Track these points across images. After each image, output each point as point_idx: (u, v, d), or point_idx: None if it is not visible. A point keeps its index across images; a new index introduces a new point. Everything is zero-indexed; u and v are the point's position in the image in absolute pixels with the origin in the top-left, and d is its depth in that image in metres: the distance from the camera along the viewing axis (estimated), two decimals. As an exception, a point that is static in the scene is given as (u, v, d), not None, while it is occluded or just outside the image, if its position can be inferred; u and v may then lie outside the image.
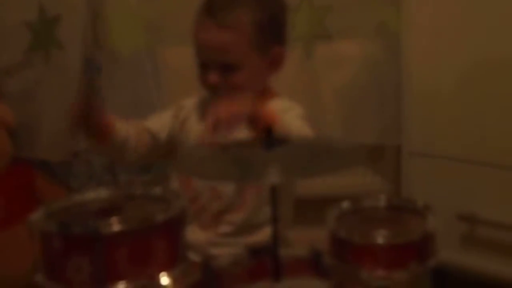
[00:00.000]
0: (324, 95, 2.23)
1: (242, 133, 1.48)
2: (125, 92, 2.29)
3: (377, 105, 2.17)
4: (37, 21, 2.30)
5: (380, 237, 1.25)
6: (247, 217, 1.62)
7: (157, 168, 2.30)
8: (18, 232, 2.17)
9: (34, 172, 2.40)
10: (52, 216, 1.20)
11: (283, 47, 1.65)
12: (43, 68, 2.34)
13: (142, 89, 2.28)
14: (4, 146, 2.30)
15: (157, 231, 1.15)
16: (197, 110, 1.71)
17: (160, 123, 1.73)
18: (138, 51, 2.28)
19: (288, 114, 1.54)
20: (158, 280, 1.15)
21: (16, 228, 2.19)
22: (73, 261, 1.13)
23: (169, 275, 1.16)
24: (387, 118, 2.10)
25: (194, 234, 1.57)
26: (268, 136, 1.16)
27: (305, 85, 2.23)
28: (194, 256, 1.30)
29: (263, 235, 1.55)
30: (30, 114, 2.39)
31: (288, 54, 2.16)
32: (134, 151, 1.67)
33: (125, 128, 1.67)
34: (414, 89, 1.86)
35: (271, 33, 1.62)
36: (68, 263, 1.13)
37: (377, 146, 2.18)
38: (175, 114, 1.74)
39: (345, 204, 1.37)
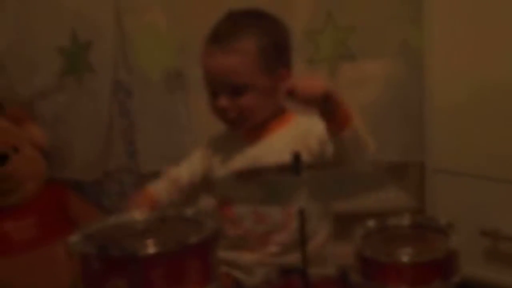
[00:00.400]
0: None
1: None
2: (155, 115, 2.32)
3: (400, 122, 2.18)
4: (70, 46, 2.34)
5: (405, 256, 1.27)
6: (292, 236, 1.57)
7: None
8: (52, 251, 2.20)
9: (67, 192, 2.42)
10: (89, 238, 1.22)
11: (288, 69, 1.65)
12: (75, 91, 2.38)
13: (171, 112, 2.31)
14: (38, 167, 2.34)
15: (191, 252, 1.18)
16: (221, 141, 1.74)
17: (191, 170, 1.74)
18: (168, 74, 2.30)
19: None
20: None
21: (50, 247, 2.21)
22: (111, 282, 1.15)
23: None
24: (410, 135, 2.10)
25: (242, 256, 1.60)
26: (297, 161, 1.18)
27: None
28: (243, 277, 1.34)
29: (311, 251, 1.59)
30: (63, 136, 2.42)
31: (314, 74, 2.23)
32: (177, 201, 1.71)
33: (164, 194, 1.70)
34: (437, 106, 1.86)
35: (276, 57, 1.62)
36: (106, 284, 1.16)
37: (401, 163, 2.19)
38: (203, 154, 1.76)
39: (371, 223, 1.39)
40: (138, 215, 1.34)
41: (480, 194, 1.80)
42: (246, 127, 1.64)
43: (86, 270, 1.19)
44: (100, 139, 2.41)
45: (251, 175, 1.28)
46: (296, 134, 1.62)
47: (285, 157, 1.31)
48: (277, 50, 1.63)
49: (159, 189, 1.72)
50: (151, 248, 1.15)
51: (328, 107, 1.41)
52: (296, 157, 1.18)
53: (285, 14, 2.14)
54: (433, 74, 1.86)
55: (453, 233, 1.34)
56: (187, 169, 1.75)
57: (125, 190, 2.46)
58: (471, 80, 1.78)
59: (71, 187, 2.45)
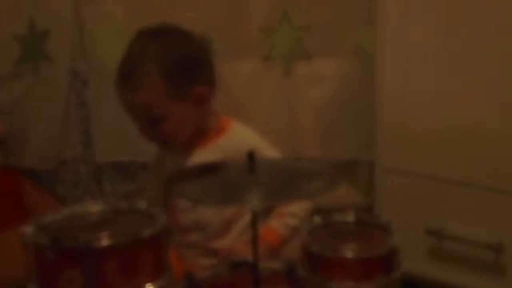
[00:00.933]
0: (302, 111, 2.28)
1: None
2: (111, 105, 2.24)
3: (353, 121, 2.21)
4: (27, 34, 2.34)
5: (349, 251, 1.31)
6: (232, 241, 1.67)
7: (140, 179, 2.37)
8: (6, 238, 2.19)
9: (22, 179, 2.41)
10: (43, 229, 1.23)
11: (203, 86, 1.65)
12: (32, 79, 2.37)
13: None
14: (-6, 155, 2.35)
15: (144, 245, 1.20)
16: (167, 159, 1.78)
17: (152, 190, 1.82)
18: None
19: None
20: None
21: (3, 235, 2.20)
22: (65, 273, 1.17)
23: (155, 286, 1.20)
24: (363, 134, 2.14)
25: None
26: (250, 162, 1.19)
27: (283, 101, 2.28)
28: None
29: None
30: (19, 124, 2.41)
31: (267, 71, 2.26)
32: None
33: None
34: (387, 107, 1.88)
35: (185, 78, 1.62)
36: (60, 275, 1.17)
37: (352, 161, 2.24)
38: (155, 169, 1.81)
39: (317, 219, 1.42)
40: (92, 207, 1.34)
41: (426, 193, 1.84)
42: (176, 145, 1.68)
43: (40, 261, 1.19)
44: (56, 128, 2.41)
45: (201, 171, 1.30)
46: (230, 145, 1.65)
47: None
48: (183, 70, 1.63)
49: None
50: (105, 240, 1.17)
51: None
52: (251, 156, 1.19)
53: (241, 10, 2.22)
54: (385, 76, 1.88)
55: (395, 230, 1.39)
56: (150, 189, 1.83)
57: (80, 180, 2.47)
58: (420, 82, 1.81)
59: (26, 175, 2.44)
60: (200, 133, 1.68)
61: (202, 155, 1.65)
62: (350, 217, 1.45)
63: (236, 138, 1.67)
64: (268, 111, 2.26)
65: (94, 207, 1.35)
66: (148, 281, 1.21)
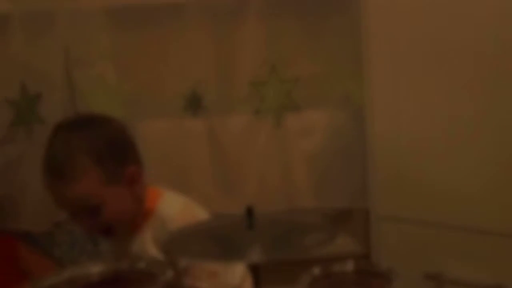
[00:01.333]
0: (295, 162, 2.29)
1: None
2: None
3: (345, 170, 2.23)
4: (19, 98, 2.34)
5: None
6: None
7: None
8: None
9: (17, 243, 2.39)
10: None
11: (133, 165, 1.64)
12: (25, 142, 2.37)
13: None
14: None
15: None
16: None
17: None
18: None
19: None
20: None
21: None
22: None
23: None
24: (355, 183, 2.15)
25: None
26: (250, 217, 1.20)
27: (275, 153, 2.30)
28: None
29: None
30: (13, 186, 2.40)
31: (258, 125, 2.28)
32: None
33: None
34: (379, 155, 1.90)
35: (115, 161, 1.61)
36: None
37: (347, 209, 2.25)
38: None
39: (316, 270, 1.40)
40: (92, 268, 1.33)
41: (423, 239, 1.84)
42: (117, 232, 1.65)
43: None
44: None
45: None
46: (157, 226, 1.64)
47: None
48: (116, 154, 1.62)
49: None
50: None
51: None
52: (249, 211, 1.20)
53: (231, 66, 2.25)
54: (375, 125, 1.91)
55: (395, 278, 1.38)
56: None
57: (76, 240, 2.45)
58: (411, 130, 1.84)
59: (22, 238, 2.43)
60: (134, 219, 1.67)
61: (143, 239, 1.66)
62: (349, 266, 1.45)
63: (161, 215, 1.65)
64: (260, 164, 2.28)
65: (95, 268, 1.33)
66: None
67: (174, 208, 1.64)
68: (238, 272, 1.68)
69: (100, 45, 2.32)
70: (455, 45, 1.73)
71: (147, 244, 1.63)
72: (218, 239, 1.24)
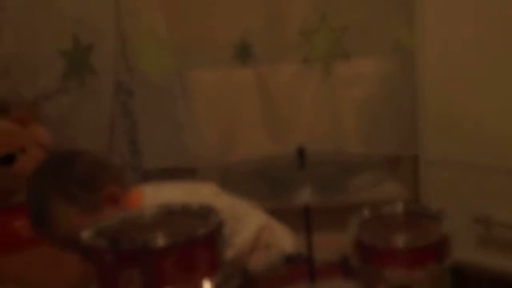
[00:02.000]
0: (344, 110, 2.29)
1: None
2: (156, 114, 2.35)
3: (394, 117, 2.23)
4: (72, 49, 2.37)
5: (400, 241, 1.32)
6: None
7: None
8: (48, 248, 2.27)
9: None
10: (101, 233, 1.25)
11: (109, 187, 1.64)
12: (77, 92, 2.40)
13: (171, 110, 2.34)
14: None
15: (199, 244, 1.21)
16: None
17: None
18: (167, 75, 2.34)
19: None
20: (201, 286, 1.21)
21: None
22: (124, 274, 1.19)
23: (211, 282, 1.22)
24: (404, 130, 2.15)
25: None
26: (301, 157, 1.22)
27: (325, 101, 2.29)
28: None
29: None
30: (67, 136, 2.44)
31: (307, 73, 2.28)
32: None
33: None
34: (428, 101, 1.90)
35: (88, 192, 1.62)
36: (120, 276, 1.19)
37: (396, 157, 2.25)
38: None
39: (366, 212, 1.44)
40: (146, 209, 1.37)
41: (472, 182, 1.85)
42: None
43: (99, 264, 1.21)
44: (104, 139, 2.44)
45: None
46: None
47: None
48: (86, 186, 1.63)
49: None
50: (161, 240, 1.18)
51: None
52: (301, 151, 1.21)
53: (280, 14, 2.25)
54: (425, 71, 1.90)
55: (444, 219, 1.40)
56: None
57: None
58: (461, 73, 1.83)
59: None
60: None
61: None
62: (399, 208, 1.46)
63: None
64: (310, 112, 2.28)
65: (148, 210, 1.37)
66: (205, 277, 1.22)
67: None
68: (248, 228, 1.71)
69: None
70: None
71: None
72: (268, 179, 1.25)
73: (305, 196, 1.15)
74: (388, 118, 2.26)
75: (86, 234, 1.26)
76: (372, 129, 2.26)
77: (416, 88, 1.92)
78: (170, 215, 1.37)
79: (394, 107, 2.24)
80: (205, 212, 1.32)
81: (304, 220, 1.22)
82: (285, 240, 1.70)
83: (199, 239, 1.23)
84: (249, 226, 1.68)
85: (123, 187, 1.68)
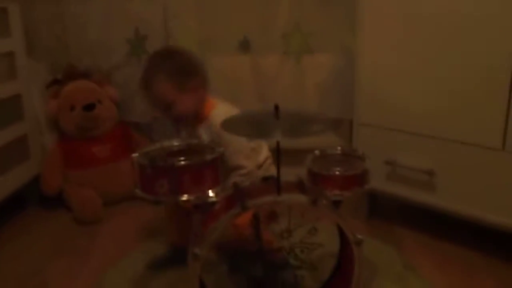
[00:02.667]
0: (308, 86, 2.24)
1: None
2: None
3: (339, 93, 2.18)
4: (134, 38, 2.33)
5: (337, 171, 1.33)
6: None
7: None
8: (121, 164, 2.26)
9: (130, 129, 2.43)
10: (144, 155, 1.26)
11: (195, 81, 1.62)
12: (137, 66, 2.34)
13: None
14: (113, 113, 2.36)
15: (207, 165, 1.21)
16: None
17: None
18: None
19: None
20: (207, 193, 1.22)
21: (120, 162, 2.26)
22: (158, 181, 1.19)
23: (214, 191, 1.23)
24: (345, 101, 2.08)
25: None
26: (276, 110, 1.19)
27: (296, 81, 2.24)
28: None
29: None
30: (128, 94, 2.40)
31: (286, 62, 2.23)
32: None
33: None
34: (363, 84, 1.83)
35: (184, 77, 1.60)
36: (155, 183, 1.19)
37: (339, 119, 2.20)
38: None
39: (317, 152, 1.44)
40: (174, 142, 1.35)
41: (386, 138, 1.80)
42: (184, 123, 1.67)
43: (142, 174, 1.22)
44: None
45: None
46: (208, 126, 1.63)
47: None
48: (183, 73, 1.60)
49: None
50: (183, 162, 1.19)
51: None
52: (276, 107, 1.18)
53: (269, 22, 2.19)
54: (360, 64, 1.83)
55: (366, 159, 1.39)
56: None
57: (166, 129, 2.41)
58: (385, 68, 1.76)
59: (133, 126, 2.45)
60: (199, 114, 1.66)
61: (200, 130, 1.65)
62: (338, 150, 1.46)
63: (213, 118, 1.62)
64: (286, 86, 2.23)
65: (176, 143, 1.36)
66: (210, 188, 1.22)
67: (220, 117, 1.60)
68: (264, 152, 1.68)
69: (187, 4, 2.26)
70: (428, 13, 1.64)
71: (202, 135, 1.63)
72: (255, 124, 1.23)
73: (278, 135, 1.13)
74: (335, 93, 2.21)
75: (134, 156, 1.25)
76: (324, 100, 2.24)
77: (354, 75, 1.85)
78: (190, 147, 1.35)
79: (339, 86, 2.18)
80: (213, 146, 1.30)
81: (276, 153, 1.19)
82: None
83: (207, 162, 1.22)
84: (265, 148, 1.69)
85: (205, 87, 1.64)
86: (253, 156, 1.63)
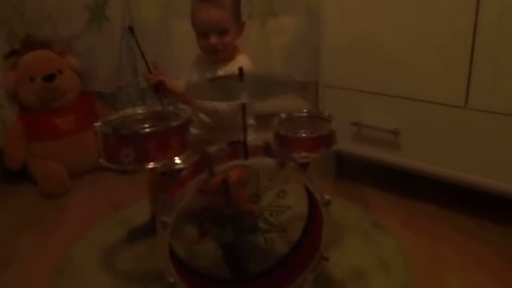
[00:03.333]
0: (273, 49, 2.22)
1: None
2: (150, 48, 2.23)
3: (304, 55, 2.16)
4: (93, 4, 2.25)
5: (303, 133, 1.32)
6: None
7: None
8: (85, 135, 2.20)
9: (94, 99, 2.38)
10: (108, 124, 1.23)
11: (244, 21, 1.59)
12: (97, 34, 2.29)
13: (160, 48, 2.24)
14: (75, 83, 2.30)
15: (173, 132, 1.19)
16: (197, 64, 1.65)
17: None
18: (156, 22, 2.23)
19: None
20: (174, 161, 1.20)
21: (83, 134, 2.21)
22: (123, 150, 1.17)
23: (180, 158, 1.21)
24: (311, 64, 2.08)
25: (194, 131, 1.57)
26: (241, 74, 1.17)
27: (261, 44, 2.21)
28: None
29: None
30: (90, 63, 2.35)
31: (251, 25, 2.18)
32: None
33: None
34: (327, 47, 1.81)
35: (239, 11, 1.57)
36: (120, 152, 1.17)
37: (305, 82, 2.19)
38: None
39: (283, 115, 1.43)
40: (138, 110, 1.32)
41: (352, 100, 1.80)
42: (224, 56, 1.57)
43: (106, 144, 1.19)
44: (114, 65, 2.34)
45: (213, 80, 1.25)
46: (234, 66, 1.55)
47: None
48: (239, 6, 1.57)
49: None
50: (148, 129, 1.16)
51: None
52: (241, 70, 1.17)
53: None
54: (326, 25, 1.80)
55: (333, 121, 1.38)
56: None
57: (131, 99, 2.42)
58: (349, 30, 1.74)
59: (96, 96, 2.40)
60: (227, 54, 1.59)
61: (222, 69, 1.57)
62: (304, 113, 1.45)
63: (237, 62, 1.56)
64: (252, 51, 2.17)
65: (140, 110, 1.33)
66: (176, 155, 1.21)
67: (243, 63, 1.52)
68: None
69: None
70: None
71: (230, 70, 1.54)
72: (223, 88, 1.20)
73: (243, 97, 1.11)
74: (300, 56, 2.19)
75: (97, 125, 1.22)
76: (290, 63, 2.22)
77: (319, 38, 1.83)
78: (155, 114, 1.33)
79: (304, 49, 2.16)
80: (178, 112, 1.29)
81: (242, 115, 1.17)
82: None
83: (172, 129, 1.20)
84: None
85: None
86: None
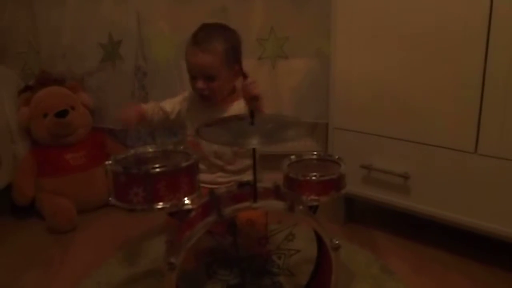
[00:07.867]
0: (283, 91, 2.24)
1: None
2: (161, 87, 2.27)
3: (314, 98, 2.17)
4: (107, 43, 2.28)
5: (313, 176, 1.32)
6: (236, 168, 1.63)
7: (180, 134, 2.27)
8: (95, 172, 2.21)
9: (105, 136, 2.39)
10: (118, 162, 1.23)
11: (240, 65, 1.60)
12: (110, 72, 2.32)
13: (172, 88, 2.25)
14: (87, 119, 2.31)
15: (182, 172, 1.19)
16: (194, 102, 1.66)
17: (172, 105, 1.68)
18: (169, 62, 2.26)
19: None
20: (183, 201, 1.20)
21: (94, 170, 2.22)
22: (132, 189, 1.16)
23: (190, 198, 1.20)
24: (321, 106, 2.09)
25: (205, 176, 1.59)
26: (252, 116, 1.18)
27: (272, 86, 2.23)
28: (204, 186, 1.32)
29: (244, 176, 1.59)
30: (102, 100, 2.37)
31: (261, 67, 2.21)
32: (154, 122, 1.66)
33: (149, 111, 1.66)
34: (337, 89, 1.82)
35: (233, 57, 1.57)
36: (129, 191, 1.16)
37: (314, 123, 2.20)
38: (180, 101, 1.69)
39: (293, 157, 1.43)
40: (149, 148, 1.33)
41: (361, 142, 1.80)
42: (214, 101, 1.60)
43: (116, 182, 1.19)
44: (126, 103, 2.34)
45: (219, 122, 1.26)
46: (238, 108, 1.60)
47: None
48: (234, 51, 1.58)
49: (146, 106, 1.67)
50: (157, 169, 1.16)
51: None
52: (252, 113, 1.17)
53: (243, 28, 2.13)
54: (336, 68, 1.82)
55: (342, 164, 1.38)
56: (169, 103, 1.69)
57: (141, 136, 2.42)
58: (358, 74, 1.76)
59: (107, 133, 2.41)
60: (224, 97, 1.62)
61: (225, 111, 1.60)
62: (314, 156, 1.45)
63: (242, 104, 1.60)
64: (262, 92, 2.21)
65: (150, 149, 1.33)
66: (185, 196, 1.20)
67: (238, 111, 1.57)
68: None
69: (160, 9, 2.23)
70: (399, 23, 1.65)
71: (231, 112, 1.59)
72: (231, 131, 1.20)
73: (254, 142, 1.11)
74: (310, 98, 2.20)
75: (108, 163, 1.22)
76: (300, 104, 2.23)
77: (329, 80, 1.85)
78: (165, 153, 1.33)
79: (314, 91, 2.18)
80: (188, 152, 1.28)
81: (252, 159, 1.17)
82: None
83: (182, 169, 1.19)
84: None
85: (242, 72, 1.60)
86: None
